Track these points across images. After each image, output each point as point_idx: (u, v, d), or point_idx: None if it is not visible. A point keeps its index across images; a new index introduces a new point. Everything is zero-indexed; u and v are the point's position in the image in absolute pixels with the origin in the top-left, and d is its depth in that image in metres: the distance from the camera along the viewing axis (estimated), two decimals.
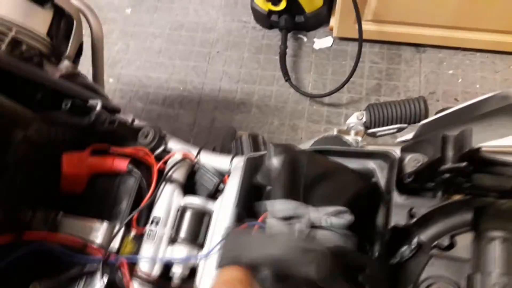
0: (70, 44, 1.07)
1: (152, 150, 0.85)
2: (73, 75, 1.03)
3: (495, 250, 0.53)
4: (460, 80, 1.82)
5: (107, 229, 0.78)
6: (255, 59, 1.93)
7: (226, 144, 1.14)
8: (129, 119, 0.90)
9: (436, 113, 0.76)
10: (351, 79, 1.75)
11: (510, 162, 0.64)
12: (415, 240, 0.65)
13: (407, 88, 1.82)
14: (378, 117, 1.09)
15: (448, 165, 0.61)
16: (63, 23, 1.08)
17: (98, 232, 0.77)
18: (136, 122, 0.91)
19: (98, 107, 0.81)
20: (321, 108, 1.83)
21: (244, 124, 1.82)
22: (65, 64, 1.05)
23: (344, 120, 1.35)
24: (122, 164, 0.81)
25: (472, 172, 0.64)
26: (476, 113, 0.67)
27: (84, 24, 1.11)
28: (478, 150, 0.63)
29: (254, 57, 1.93)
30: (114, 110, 0.91)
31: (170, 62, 1.94)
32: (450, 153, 0.63)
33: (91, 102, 0.83)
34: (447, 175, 0.63)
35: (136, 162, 0.83)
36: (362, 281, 0.57)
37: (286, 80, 1.82)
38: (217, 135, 1.74)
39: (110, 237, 0.77)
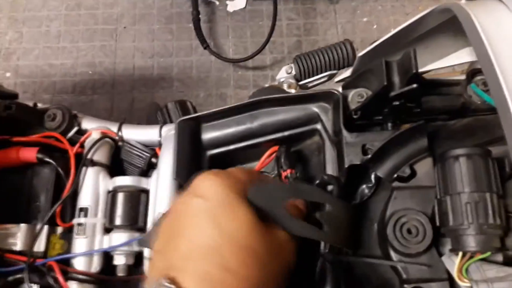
0: None
1: (64, 133, 0.72)
2: None
3: (461, 169, 0.51)
4: (375, 26, 1.84)
5: (27, 231, 0.65)
6: (167, 30, 1.79)
7: (151, 119, 1.04)
8: (30, 103, 0.76)
9: (371, 44, 0.72)
10: (272, 39, 1.69)
11: (455, 81, 0.62)
12: (372, 177, 0.62)
13: (326, 41, 1.81)
14: (307, 67, 1.05)
15: (397, 91, 0.58)
16: None
17: (16, 237, 0.65)
18: (40, 105, 0.77)
19: None
20: (246, 72, 1.76)
21: (168, 100, 1.69)
22: None
23: (271, 81, 1.30)
24: (30, 154, 0.68)
25: (420, 96, 0.61)
26: (414, 35, 0.63)
27: None
28: (423, 72, 0.60)
29: (166, 27, 1.79)
30: (10, 96, 0.77)
31: (73, 45, 1.74)
32: (396, 79, 0.58)
33: None
34: (396, 103, 0.59)
35: (48, 149, 0.70)
36: (319, 218, 0.52)
37: (205, 48, 1.71)
38: (140, 116, 1.60)
39: (32, 240, 0.65)
